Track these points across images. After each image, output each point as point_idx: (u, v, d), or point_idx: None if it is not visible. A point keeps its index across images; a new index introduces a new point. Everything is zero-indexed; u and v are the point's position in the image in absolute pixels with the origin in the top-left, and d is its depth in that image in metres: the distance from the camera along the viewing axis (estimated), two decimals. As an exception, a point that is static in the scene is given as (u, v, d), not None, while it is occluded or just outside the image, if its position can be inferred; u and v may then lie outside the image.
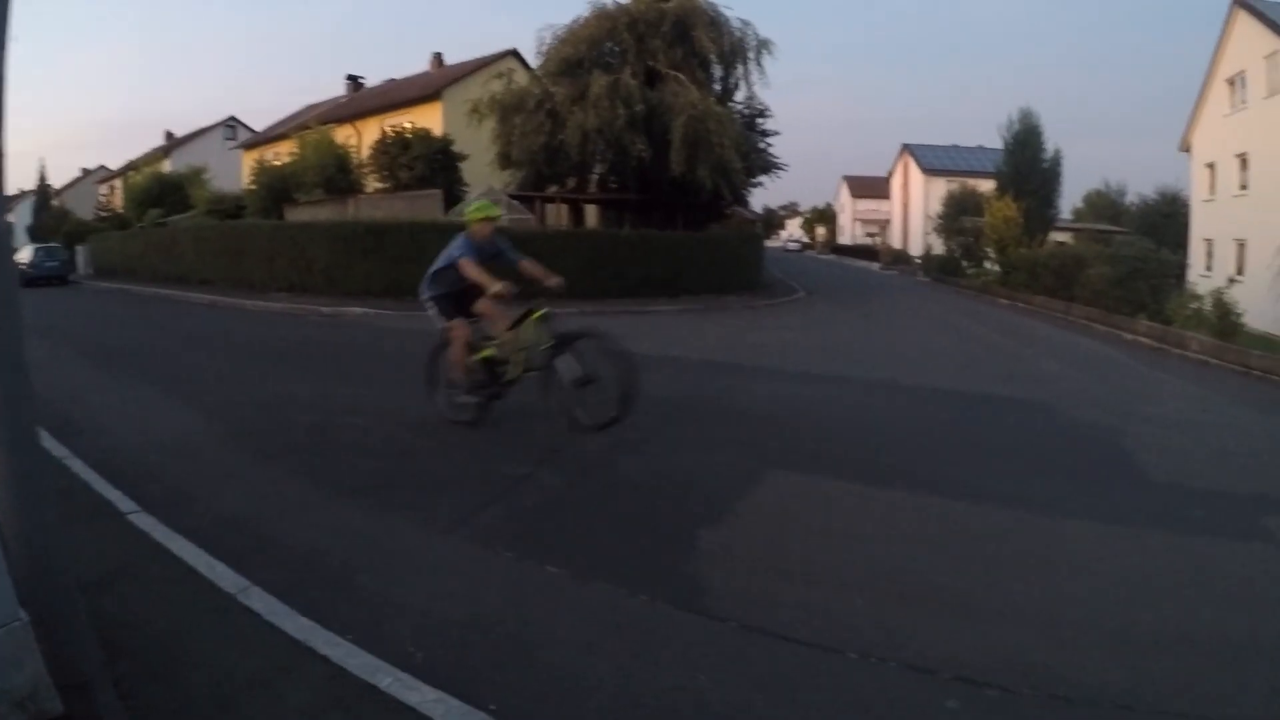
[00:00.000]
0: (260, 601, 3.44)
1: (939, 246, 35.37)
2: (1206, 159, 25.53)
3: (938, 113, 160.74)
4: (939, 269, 33.93)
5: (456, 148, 22.79)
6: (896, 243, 51.66)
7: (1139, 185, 44.55)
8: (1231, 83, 23.85)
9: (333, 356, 11.25)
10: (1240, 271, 21.86)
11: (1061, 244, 27.05)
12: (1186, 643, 3.70)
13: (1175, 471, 6.78)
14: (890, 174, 57.76)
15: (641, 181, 21.36)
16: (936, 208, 35.86)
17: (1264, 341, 15.58)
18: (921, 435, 7.36)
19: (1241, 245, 22.38)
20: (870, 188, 64.97)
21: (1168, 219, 29.43)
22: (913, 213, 47.16)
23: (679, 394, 8.48)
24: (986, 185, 32.17)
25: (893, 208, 56.61)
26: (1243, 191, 22.88)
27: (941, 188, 37.51)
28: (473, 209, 6.66)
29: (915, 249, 43.05)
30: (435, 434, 6.53)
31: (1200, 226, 25.88)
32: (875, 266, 46.60)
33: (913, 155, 49.64)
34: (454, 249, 6.32)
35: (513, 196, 22.30)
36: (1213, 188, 25.18)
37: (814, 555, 4.31)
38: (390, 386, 8.54)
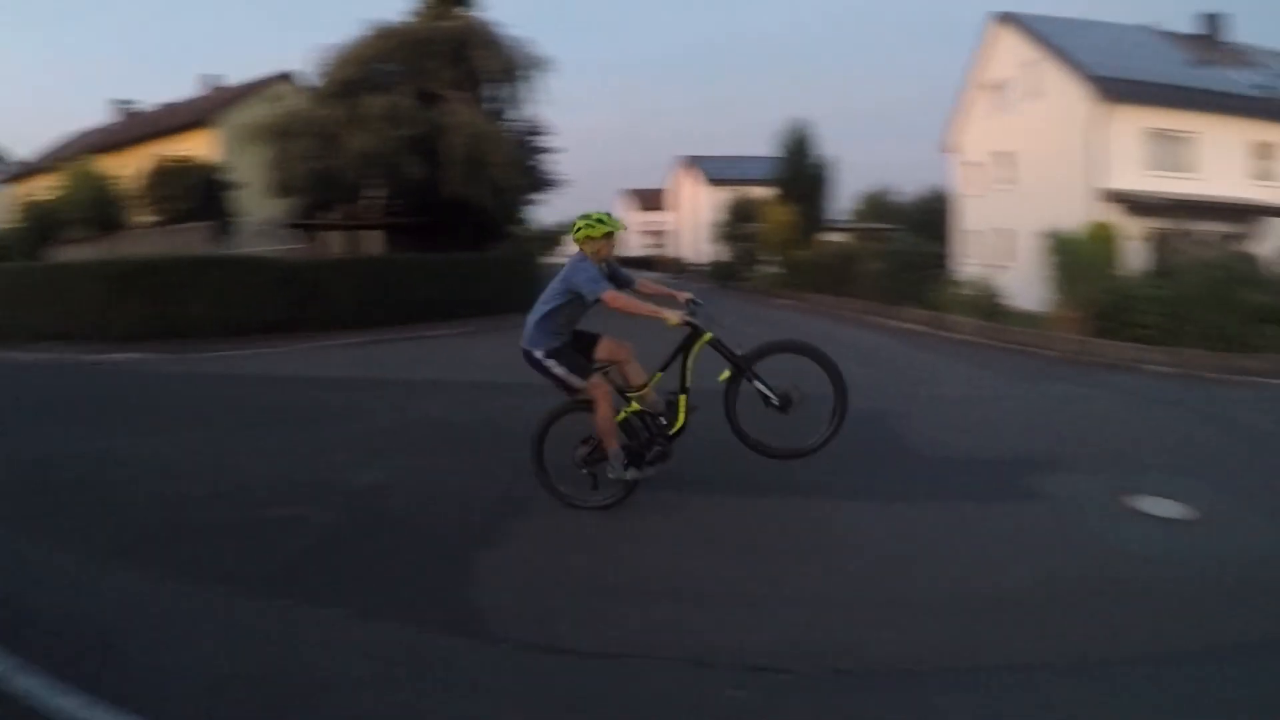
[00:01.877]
0: (24, 681, 3.10)
1: (721, 254, 36.64)
2: (967, 158, 27.96)
3: (717, 124, 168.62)
4: (721, 274, 35.19)
5: (234, 175, 21.50)
6: (682, 252, 52.78)
7: (905, 184, 48.07)
8: (992, 87, 26.23)
9: (97, 408, 10.19)
10: (1001, 258, 24.05)
11: (837, 243, 28.77)
12: (958, 602, 3.92)
13: (944, 445, 7.23)
14: (670, 186, 59.19)
15: (420, 204, 20.88)
16: (719, 216, 37.15)
17: (1028, 319, 17.17)
18: (701, 435, 7.49)
19: (1001, 234, 24.68)
20: (651, 200, 65.64)
21: (934, 214, 31.82)
22: (696, 222, 48.44)
23: (456, 418, 8.35)
24: (767, 192, 33.68)
25: (675, 218, 57.76)
26: (1001, 187, 25.27)
27: (724, 196, 38.85)
28: (589, 222, 5.03)
29: (700, 257, 44.31)
30: (202, 480, 5.99)
31: (963, 219, 28.25)
32: (658, 276, 47.99)
33: (695, 166, 51.11)
34: (578, 279, 4.85)
35: (288, 225, 21.29)
36: (973, 184, 27.56)
37: (590, 565, 4.30)
38: (155, 434, 7.83)
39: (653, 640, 3.46)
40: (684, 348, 5.09)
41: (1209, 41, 24.91)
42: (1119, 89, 20.48)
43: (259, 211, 21.65)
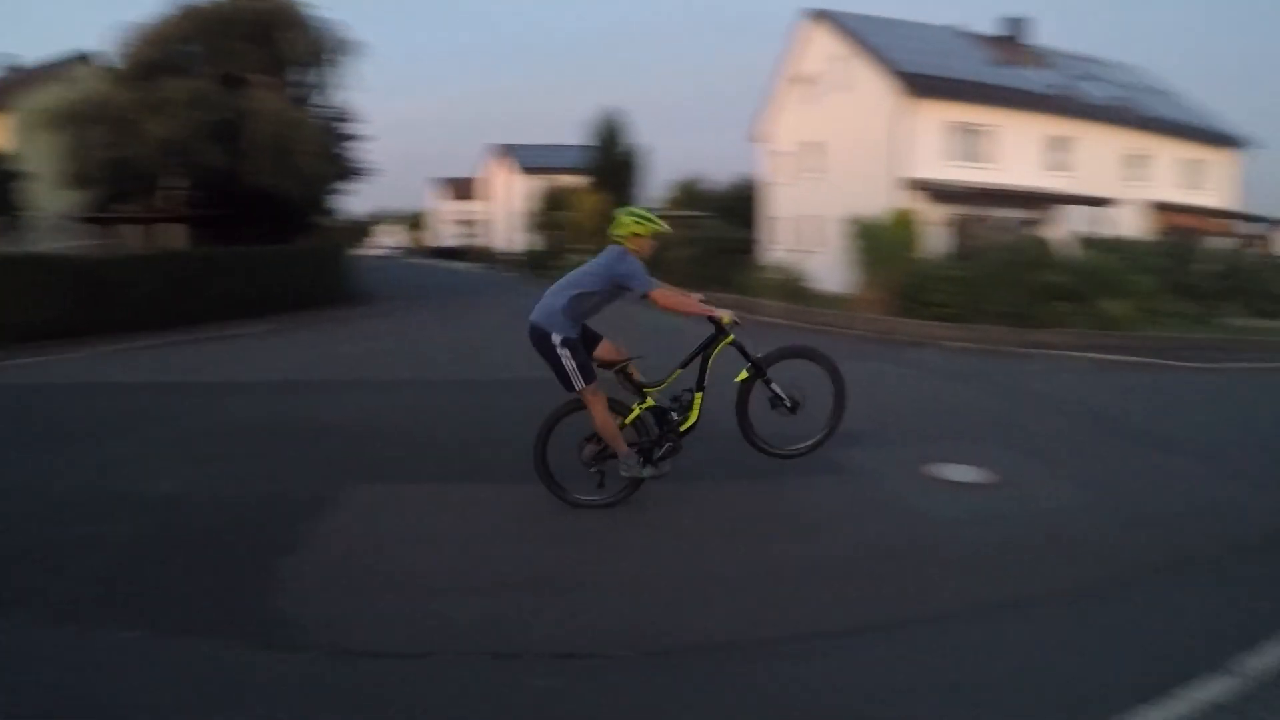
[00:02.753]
0: None
1: (534, 243, 36.49)
2: (776, 147, 28.92)
3: (532, 112, 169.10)
4: (532, 263, 34.89)
5: (25, 165, 19.63)
6: (496, 241, 52.44)
7: (716, 172, 49.09)
8: (802, 80, 27.22)
9: None
10: (808, 243, 24.99)
11: None
12: (774, 574, 4.12)
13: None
14: (484, 174, 58.50)
15: (223, 195, 19.80)
16: (532, 205, 37.20)
17: (834, 301, 17.89)
18: (502, 428, 7.26)
19: (808, 220, 25.63)
20: (464, 189, 65.12)
21: (743, 201, 32.46)
22: (508, 211, 48.27)
23: (260, 421, 7.91)
24: (580, 180, 33.92)
25: (489, 207, 57.25)
26: (808, 175, 26.26)
27: (538, 185, 39.05)
28: (639, 219, 4.99)
29: (513, 246, 44.02)
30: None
31: (771, 206, 29.24)
32: (470, 267, 48.01)
33: (509, 154, 50.87)
34: (624, 271, 4.78)
35: (82, 219, 19.77)
36: (782, 172, 28.53)
37: (396, 563, 4.22)
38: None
39: (459, 635, 3.43)
40: (705, 348, 5.12)
41: (1011, 43, 26.75)
42: (924, 84, 21.69)
43: (51, 205, 19.95)
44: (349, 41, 21.68)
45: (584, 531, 4.74)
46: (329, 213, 26.88)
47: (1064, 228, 22.49)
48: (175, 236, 20.53)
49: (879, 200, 20.27)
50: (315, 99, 22.22)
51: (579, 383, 4.82)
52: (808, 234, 25.30)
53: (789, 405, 5.15)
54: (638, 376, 5.18)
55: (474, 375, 10.55)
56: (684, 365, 5.17)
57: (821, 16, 25.81)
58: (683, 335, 5.78)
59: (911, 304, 16.18)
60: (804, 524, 4.97)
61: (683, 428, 5.13)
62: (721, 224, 22.35)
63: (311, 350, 13.94)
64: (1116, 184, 24.38)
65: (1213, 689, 3.26)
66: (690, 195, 39.16)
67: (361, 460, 6.35)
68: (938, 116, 21.99)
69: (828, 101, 25.56)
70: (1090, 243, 21.27)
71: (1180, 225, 24.70)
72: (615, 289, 4.92)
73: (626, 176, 31.47)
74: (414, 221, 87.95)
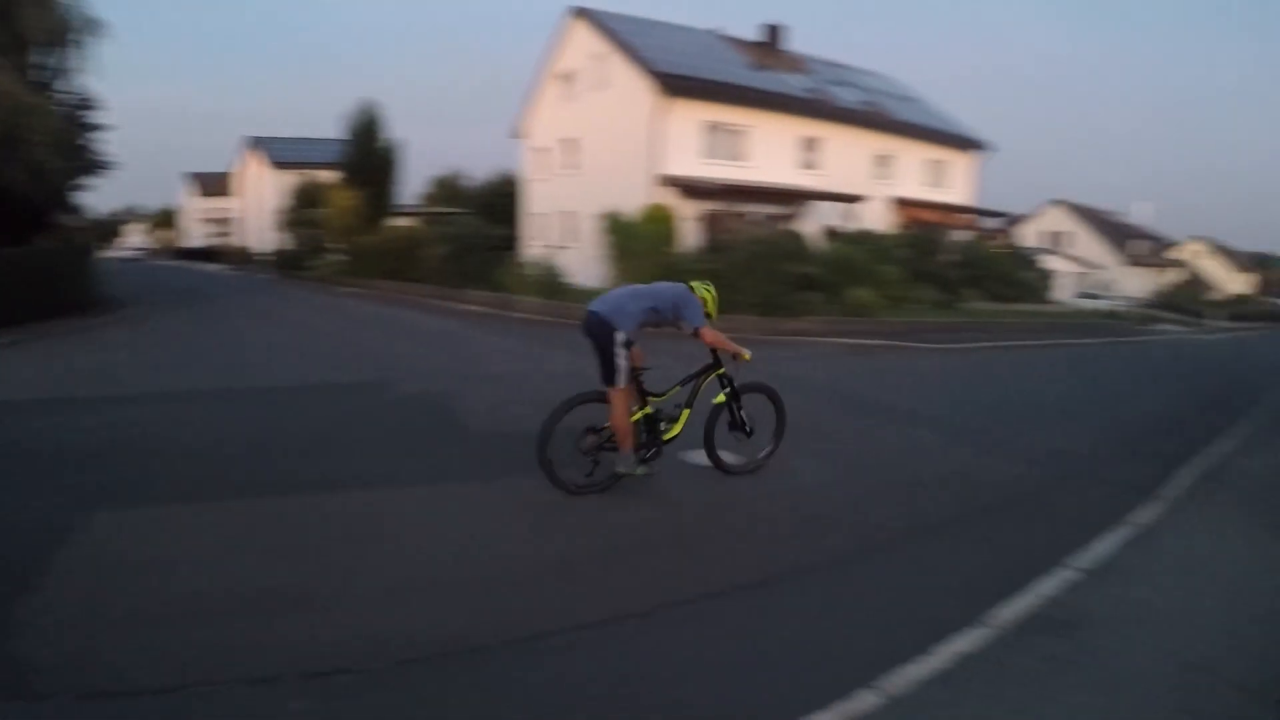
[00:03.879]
0: None
1: (288, 242, 34.57)
2: (537, 144, 29.00)
3: (287, 104, 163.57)
4: (285, 264, 33.34)
5: None
6: (247, 241, 49.77)
7: (478, 169, 48.63)
8: (564, 78, 27.32)
9: None
10: (567, 239, 25.12)
11: (404, 228, 28.38)
12: (526, 572, 4.10)
13: (501, 421, 7.37)
14: (237, 170, 55.26)
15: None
16: (285, 202, 35.10)
17: (586, 296, 17.59)
18: (259, 439, 6.90)
19: (567, 216, 25.76)
20: (217, 185, 61.50)
21: (503, 198, 32.34)
22: (262, 208, 45.45)
23: None
24: (335, 176, 32.31)
25: (241, 205, 54.20)
26: (568, 171, 26.39)
27: (290, 181, 36.71)
28: (712, 295, 5.78)
29: (266, 246, 41.60)
30: None
31: (530, 203, 29.31)
32: (222, 268, 45.09)
33: (261, 148, 48.18)
34: (687, 308, 5.52)
35: None
36: (542, 168, 28.64)
37: (140, 591, 3.86)
38: None
39: (213, 665, 3.21)
40: (701, 374, 5.92)
41: (768, 48, 28.00)
42: (681, 84, 22.12)
43: None
44: (93, 20, 18.95)
45: (320, 542, 4.51)
46: (71, 210, 23.66)
47: (815, 222, 23.69)
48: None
49: (636, 197, 20.43)
50: (57, 84, 19.34)
51: (620, 381, 5.32)
52: (567, 230, 25.37)
53: (747, 430, 6.02)
54: (644, 385, 5.71)
55: (231, 384, 9.56)
56: (682, 384, 5.88)
57: (582, 14, 25.93)
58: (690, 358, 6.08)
59: (666, 298, 16.22)
60: (553, 517, 4.97)
61: (667, 436, 5.77)
62: (479, 221, 21.64)
63: (49, 362, 11.99)
64: (865, 182, 26.16)
65: (967, 640, 3.49)
66: (449, 191, 38.15)
67: (100, 483, 5.58)
68: (694, 116, 22.51)
69: (588, 99, 25.69)
70: (839, 236, 22.54)
71: (924, 220, 26.79)
72: (676, 317, 5.54)
73: (384, 172, 29.92)
74: (161, 220, 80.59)
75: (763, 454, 6.20)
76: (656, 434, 5.72)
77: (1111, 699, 3.08)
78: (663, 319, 5.56)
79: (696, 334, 5.53)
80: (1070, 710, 3.01)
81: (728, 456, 6.03)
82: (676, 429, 5.75)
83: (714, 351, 5.77)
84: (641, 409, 5.63)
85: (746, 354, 5.69)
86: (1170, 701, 3.08)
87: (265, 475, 5.73)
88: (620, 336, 5.25)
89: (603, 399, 5.39)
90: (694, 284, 5.72)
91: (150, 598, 3.86)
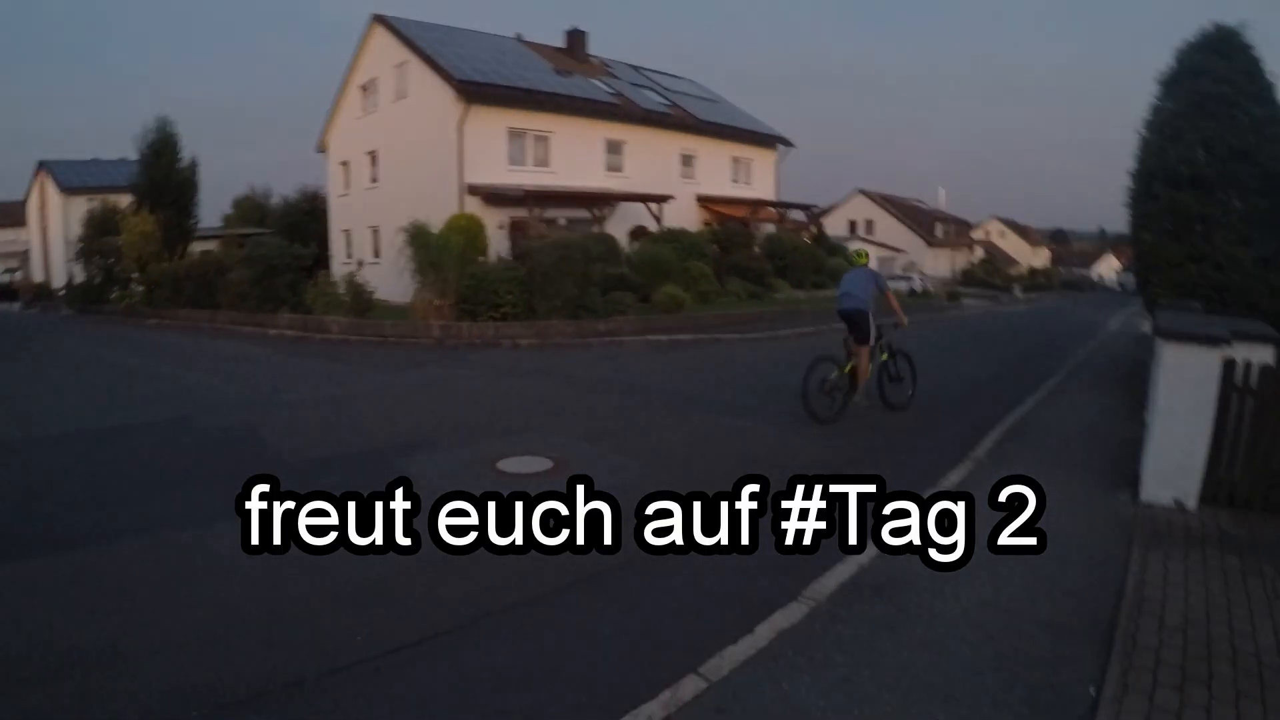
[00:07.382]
0: None
1: (82, 274, 31.34)
2: (342, 157, 28.61)
3: (81, 125, 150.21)
4: (81, 298, 30.57)
5: None
6: (39, 275, 45.33)
7: (284, 187, 46.04)
8: (365, 88, 26.94)
9: None
10: (376, 255, 25.02)
11: (206, 253, 27.13)
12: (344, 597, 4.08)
13: (310, 447, 7.26)
14: (27, 197, 49.81)
15: None
16: (78, 230, 32.17)
17: (397, 312, 17.57)
18: (55, 490, 6.27)
19: (375, 231, 25.58)
20: (8, 215, 53.30)
21: (310, 216, 31.67)
22: (53, 239, 42.14)
23: None
24: (130, 200, 30.12)
25: (31, 236, 49.15)
26: (374, 184, 26.17)
27: (83, 207, 34.07)
28: (863, 252, 9.62)
29: (59, 279, 38.06)
30: None
31: (338, 219, 28.94)
32: (13, 306, 39.91)
33: (50, 173, 44.01)
34: (880, 275, 9.17)
35: None
36: (348, 183, 28.35)
37: None
38: None
39: None
40: (878, 339, 8.87)
41: (571, 54, 28.61)
42: (482, 91, 22.33)
43: None
44: None
45: (146, 591, 4.27)
46: None
47: (625, 224, 24.59)
48: None
49: (443, 207, 20.56)
50: None
51: (870, 341, 8.63)
52: (371, 245, 25.20)
53: (898, 377, 9.22)
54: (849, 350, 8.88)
55: (15, 434, 8.55)
56: (868, 346, 8.73)
57: (380, 21, 25.59)
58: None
59: (475, 307, 16.50)
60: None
61: (859, 382, 8.80)
62: (283, 241, 20.92)
63: None
64: (672, 182, 27.41)
65: (788, 615, 3.83)
66: (253, 211, 36.33)
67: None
68: (497, 123, 22.84)
69: (390, 109, 25.50)
70: (648, 236, 23.44)
71: (732, 215, 28.23)
72: (880, 288, 8.83)
73: (183, 194, 27.94)
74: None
75: (910, 395, 9.29)
76: (854, 381, 8.68)
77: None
78: (881, 290, 8.72)
79: (884, 294, 8.84)
80: None
81: (891, 396, 9.12)
82: (864, 378, 8.76)
83: (878, 326, 8.70)
84: (848, 365, 8.62)
85: (904, 320, 9.16)
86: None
87: (57, 529, 5.28)
88: (873, 321, 8.56)
89: (831, 360, 8.54)
90: (863, 251, 9.52)
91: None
